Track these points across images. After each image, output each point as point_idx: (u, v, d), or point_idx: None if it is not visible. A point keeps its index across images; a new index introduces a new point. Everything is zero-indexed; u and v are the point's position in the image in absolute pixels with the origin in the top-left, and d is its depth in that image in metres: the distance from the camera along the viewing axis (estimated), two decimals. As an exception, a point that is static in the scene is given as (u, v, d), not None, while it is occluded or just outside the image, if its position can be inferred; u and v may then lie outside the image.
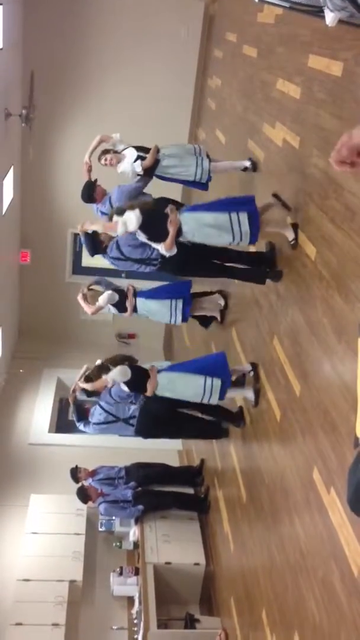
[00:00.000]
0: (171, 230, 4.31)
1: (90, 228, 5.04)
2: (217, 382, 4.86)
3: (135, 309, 5.43)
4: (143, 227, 4.39)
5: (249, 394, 4.88)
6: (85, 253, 5.61)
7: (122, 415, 5.66)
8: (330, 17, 2.09)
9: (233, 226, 4.26)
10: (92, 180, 5.65)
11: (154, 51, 9.00)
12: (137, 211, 4.35)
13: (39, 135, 8.93)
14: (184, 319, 5.54)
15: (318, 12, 2.40)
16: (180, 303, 5.41)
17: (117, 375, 4.84)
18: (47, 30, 8.80)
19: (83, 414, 5.71)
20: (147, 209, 4.43)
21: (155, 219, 4.39)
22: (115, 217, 4.44)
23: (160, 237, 4.38)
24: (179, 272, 5.47)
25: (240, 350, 5.50)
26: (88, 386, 5.06)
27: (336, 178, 3.45)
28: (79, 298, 5.38)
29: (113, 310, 5.46)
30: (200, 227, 4.33)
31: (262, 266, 4.71)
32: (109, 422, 5.48)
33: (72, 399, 5.53)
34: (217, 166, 5.48)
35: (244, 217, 4.26)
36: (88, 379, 5.05)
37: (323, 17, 2.35)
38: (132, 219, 4.35)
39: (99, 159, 5.38)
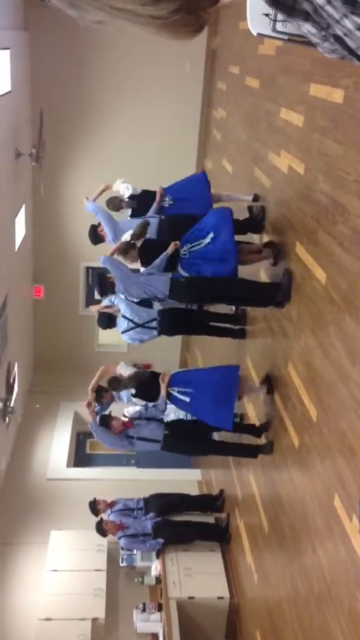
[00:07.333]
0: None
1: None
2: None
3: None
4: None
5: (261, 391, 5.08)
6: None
7: (140, 321, 5.68)
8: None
9: None
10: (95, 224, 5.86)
11: (159, 86, 9.19)
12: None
13: (49, 172, 9.10)
14: None
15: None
16: None
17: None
18: (53, 71, 9.04)
19: None
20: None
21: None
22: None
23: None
24: None
25: (255, 377, 5.47)
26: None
27: (343, 202, 3.47)
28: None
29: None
30: None
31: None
32: (131, 328, 5.52)
33: None
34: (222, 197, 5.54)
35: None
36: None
37: (321, 47, 2.39)
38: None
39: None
